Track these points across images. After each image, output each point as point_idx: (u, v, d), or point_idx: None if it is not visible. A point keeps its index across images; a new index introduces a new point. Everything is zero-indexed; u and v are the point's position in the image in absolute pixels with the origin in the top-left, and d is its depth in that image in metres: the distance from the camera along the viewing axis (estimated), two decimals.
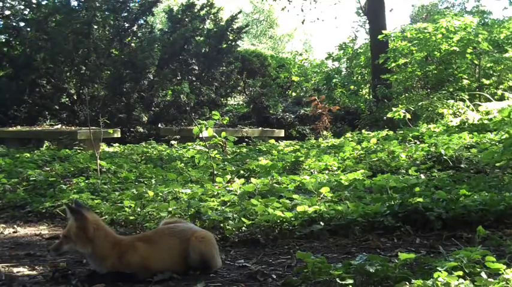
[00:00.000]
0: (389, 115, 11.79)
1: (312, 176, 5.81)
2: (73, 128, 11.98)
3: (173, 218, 3.86)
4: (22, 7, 14.42)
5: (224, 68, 16.14)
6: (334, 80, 18.97)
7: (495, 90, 14.87)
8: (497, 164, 5.92)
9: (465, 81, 14.87)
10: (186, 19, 15.85)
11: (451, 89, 13.93)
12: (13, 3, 14.28)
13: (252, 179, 5.25)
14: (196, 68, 15.88)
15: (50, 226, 4.66)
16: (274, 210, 4.04)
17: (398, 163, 6.55)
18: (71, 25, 13.88)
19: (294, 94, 19.93)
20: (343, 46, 20.09)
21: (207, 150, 6.39)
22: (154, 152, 8.63)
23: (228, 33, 16.24)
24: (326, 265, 2.75)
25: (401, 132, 9.77)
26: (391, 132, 9.91)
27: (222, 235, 3.93)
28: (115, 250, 2.93)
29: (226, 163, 7.06)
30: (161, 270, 2.96)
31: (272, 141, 10.37)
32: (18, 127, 12.22)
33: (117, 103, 14.32)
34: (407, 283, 2.54)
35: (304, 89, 19.88)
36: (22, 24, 14.49)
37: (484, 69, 15.29)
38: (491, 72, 15.31)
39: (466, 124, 9.71)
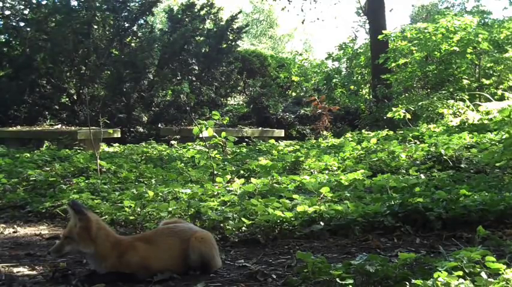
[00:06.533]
0: (389, 115, 11.80)
1: (312, 176, 5.81)
2: (73, 128, 11.99)
3: (173, 219, 3.86)
4: (22, 7, 14.42)
5: (224, 68, 16.15)
6: (334, 80, 18.98)
7: (495, 90, 14.87)
8: (497, 164, 5.91)
9: (465, 81, 14.87)
10: (186, 19, 15.86)
11: (451, 89, 13.93)
12: (13, 3, 14.29)
13: (252, 179, 5.25)
14: (196, 68, 15.88)
15: (50, 226, 4.66)
16: (274, 210, 4.04)
17: (398, 163, 6.55)
18: (71, 25, 13.88)
19: (294, 94, 19.94)
20: (343, 46, 20.10)
21: (207, 150, 6.39)
22: (154, 152, 8.62)
23: (228, 33, 16.25)
24: (326, 265, 2.75)
25: (401, 132, 9.77)
26: (391, 132, 9.91)
27: (222, 235, 3.93)
28: (115, 250, 2.93)
29: (226, 163, 7.06)
30: (161, 270, 2.96)
31: (272, 141, 10.36)
32: (18, 127, 12.23)
33: (117, 103, 14.33)
34: (407, 283, 2.54)
35: (304, 89, 19.89)
36: (22, 24, 14.50)
37: (484, 69, 15.29)
38: (491, 72, 15.32)
39: (466, 124, 9.71)
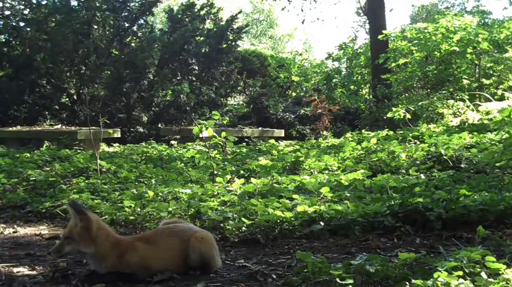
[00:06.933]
0: (389, 115, 11.80)
1: (312, 176, 5.81)
2: (73, 128, 11.99)
3: (173, 219, 3.86)
4: (22, 7, 14.43)
5: (224, 68, 16.15)
6: (334, 80, 18.98)
7: (495, 90, 14.88)
8: (497, 164, 5.92)
9: (465, 81, 14.87)
10: (186, 19, 15.86)
11: (451, 89, 13.93)
12: (13, 3, 14.29)
13: (252, 179, 5.25)
14: (196, 68, 15.89)
15: (50, 226, 4.66)
16: (274, 210, 4.04)
17: (398, 163, 6.55)
18: (71, 25, 13.89)
19: (294, 94, 19.95)
20: (343, 46, 20.09)
21: (207, 150, 6.39)
22: (154, 152, 8.62)
23: (228, 33, 16.25)
24: (326, 265, 2.75)
25: (401, 132, 9.76)
26: (391, 133, 9.90)
27: (222, 235, 3.93)
28: (115, 250, 2.93)
29: (226, 163, 7.06)
30: (161, 270, 2.96)
31: (272, 141, 10.36)
32: (18, 127, 12.23)
33: (117, 103, 14.33)
34: (407, 283, 2.54)
35: (304, 89, 19.89)
36: (22, 24, 14.50)
37: (484, 69, 15.30)
38: (491, 72, 15.33)
39: (466, 124, 9.71)
